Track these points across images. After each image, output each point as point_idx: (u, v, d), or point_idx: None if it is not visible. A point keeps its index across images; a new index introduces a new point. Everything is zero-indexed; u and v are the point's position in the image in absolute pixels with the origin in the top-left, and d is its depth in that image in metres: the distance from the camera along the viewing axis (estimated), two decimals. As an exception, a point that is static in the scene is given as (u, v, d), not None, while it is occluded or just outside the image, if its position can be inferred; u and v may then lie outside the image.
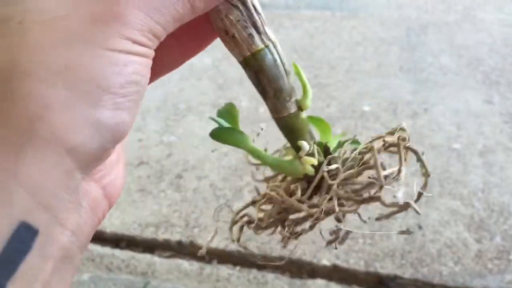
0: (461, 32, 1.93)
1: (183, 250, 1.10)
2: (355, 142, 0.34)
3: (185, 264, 1.06)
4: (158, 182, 1.25)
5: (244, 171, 1.27)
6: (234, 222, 0.35)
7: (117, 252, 1.09)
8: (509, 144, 1.33)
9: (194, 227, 1.13)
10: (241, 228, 0.35)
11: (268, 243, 1.09)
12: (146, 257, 1.07)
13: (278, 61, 0.29)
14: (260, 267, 1.07)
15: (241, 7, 0.27)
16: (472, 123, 1.40)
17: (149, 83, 0.30)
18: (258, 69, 0.29)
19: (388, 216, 0.32)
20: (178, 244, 1.10)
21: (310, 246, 1.08)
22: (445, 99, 1.50)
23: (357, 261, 1.05)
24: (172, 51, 0.29)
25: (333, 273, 1.05)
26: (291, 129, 0.32)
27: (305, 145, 0.31)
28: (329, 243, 0.34)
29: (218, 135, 0.32)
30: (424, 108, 1.47)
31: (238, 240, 0.35)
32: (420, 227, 1.11)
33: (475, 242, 1.08)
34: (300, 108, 0.31)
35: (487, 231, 1.10)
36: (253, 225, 0.34)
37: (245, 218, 0.35)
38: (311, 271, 1.06)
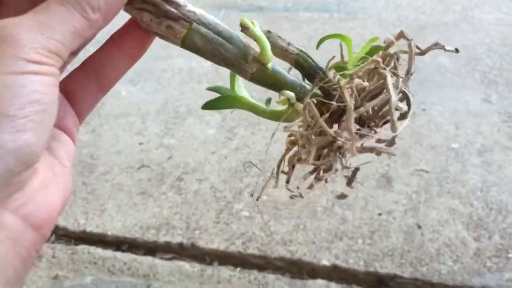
0: (459, 32, 1.93)
1: (184, 252, 1.11)
2: (376, 49, 0.32)
3: (186, 266, 1.07)
4: (159, 185, 1.26)
5: (244, 173, 1.28)
6: (279, 173, 0.34)
7: (119, 254, 1.10)
8: (507, 143, 1.33)
9: (195, 229, 1.14)
10: (292, 168, 0.33)
11: (268, 244, 1.10)
12: (148, 259, 1.08)
13: (210, 34, 0.29)
14: (261, 268, 1.08)
15: (147, 6, 0.28)
16: (470, 123, 1.41)
17: (107, 90, 0.30)
18: (195, 50, 0.29)
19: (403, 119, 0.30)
20: (179, 246, 1.11)
21: (310, 247, 1.09)
22: (443, 99, 1.51)
23: (356, 261, 1.06)
24: (116, 58, 0.30)
25: (333, 273, 1.05)
26: (267, 85, 0.31)
27: (288, 94, 0.31)
28: (349, 183, 0.33)
29: (210, 105, 0.32)
30: (422, 109, 1.48)
31: (288, 181, 0.33)
32: (419, 227, 1.12)
33: (474, 241, 1.09)
34: (262, 64, 0.30)
35: (486, 230, 1.11)
36: (302, 158, 0.32)
37: (295, 158, 0.33)
38: (311, 271, 1.07)
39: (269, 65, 0.30)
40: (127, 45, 0.29)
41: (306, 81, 0.32)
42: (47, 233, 0.26)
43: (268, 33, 0.31)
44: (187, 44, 0.29)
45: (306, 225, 1.14)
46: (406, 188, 1.22)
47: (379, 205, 1.18)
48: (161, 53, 1.73)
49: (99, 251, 1.10)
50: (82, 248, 1.11)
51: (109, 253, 1.10)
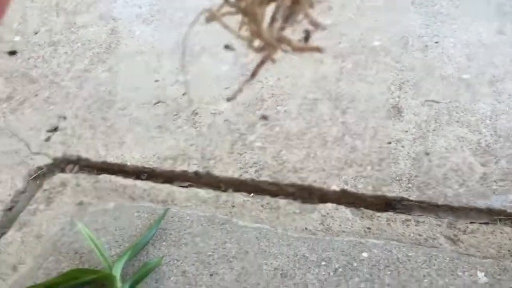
0: (476, -36, 1.88)
1: (200, 180, 1.17)
2: None
3: (202, 192, 1.13)
4: (175, 119, 1.30)
5: (257, 106, 1.31)
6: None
7: (139, 183, 1.16)
8: (519, 73, 1.33)
9: (210, 159, 1.19)
10: None
11: (280, 172, 1.14)
12: (166, 186, 1.14)
13: None
14: (273, 194, 1.13)
15: None
16: (482, 54, 1.41)
17: None
18: None
19: None
20: (195, 174, 1.17)
21: (320, 174, 1.13)
22: (456, 31, 1.50)
23: (365, 186, 1.10)
24: None
25: (342, 197, 1.10)
26: None
27: None
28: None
29: None
30: (435, 41, 1.47)
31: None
32: (427, 154, 1.15)
33: (481, 166, 1.11)
34: None
35: (493, 156, 1.13)
36: None
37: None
38: (321, 196, 1.11)
39: None
40: None
41: None
42: None
43: None
44: None
45: (316, 154, 1.18)
46: (416, 117, 1.24)
47: (389, 134, 1.21)
48: (174, -7, 1.73)
49: (120, 180, 1.16)
50: (104, 177, 1.17)
51: (129, 181, 1.16)
